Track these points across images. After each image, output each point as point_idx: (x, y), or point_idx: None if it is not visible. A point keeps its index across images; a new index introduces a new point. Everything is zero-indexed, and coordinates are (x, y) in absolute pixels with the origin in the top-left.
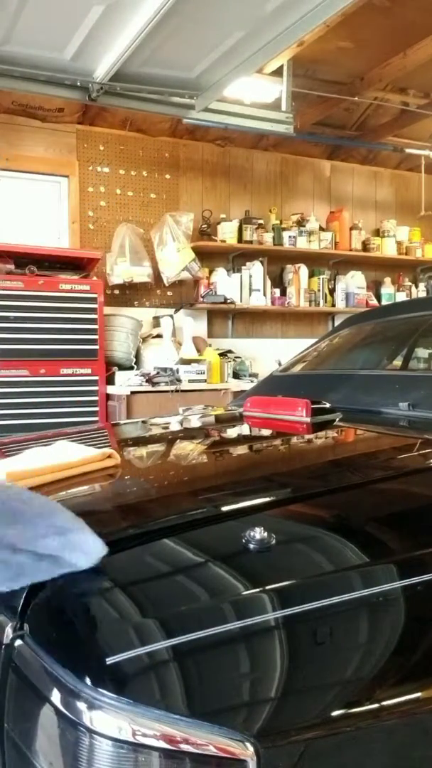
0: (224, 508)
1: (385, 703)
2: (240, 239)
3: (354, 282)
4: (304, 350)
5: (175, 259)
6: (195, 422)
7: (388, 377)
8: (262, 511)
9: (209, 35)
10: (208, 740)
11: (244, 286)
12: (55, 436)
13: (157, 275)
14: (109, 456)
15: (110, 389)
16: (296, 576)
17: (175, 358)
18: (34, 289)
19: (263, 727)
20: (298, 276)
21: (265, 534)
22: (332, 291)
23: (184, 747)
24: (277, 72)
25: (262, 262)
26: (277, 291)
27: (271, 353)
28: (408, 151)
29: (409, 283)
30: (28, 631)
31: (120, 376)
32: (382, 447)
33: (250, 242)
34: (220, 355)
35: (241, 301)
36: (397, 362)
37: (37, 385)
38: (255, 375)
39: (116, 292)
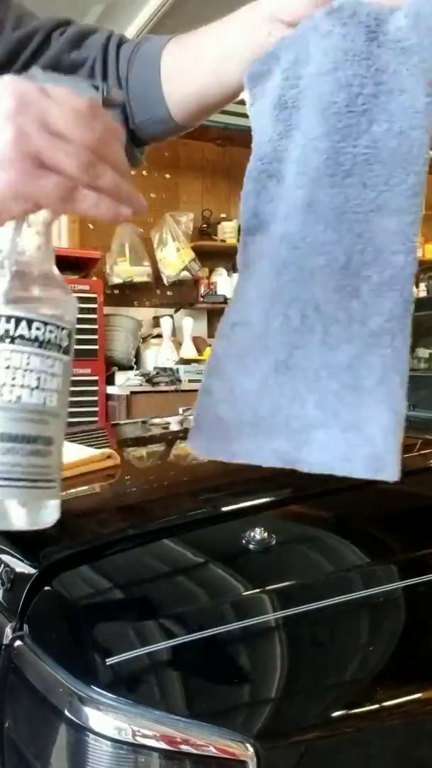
0: (224, 509)
1: (386, 704)
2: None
3: None
4: None
5: (175, 258)
6: None
7: None
8: (263, 511)
9: None
10: (208, 741)
11: None
12: None
13: (156, 275)
14: (109, 456)
15: (110, 389)
16: (297, 576)
17: (175, 358)
18: None
19: (264, 728)
20: None
21: (266, 534)
22: None
23: (184, 748)
24: None
25: None
26: None
27: None
28: None
29: None
30: (27, 631)
31: (120, 376)
32: None
33: None
34: None
35: None
36: None
37: None
38: None
39: (116, 291)
